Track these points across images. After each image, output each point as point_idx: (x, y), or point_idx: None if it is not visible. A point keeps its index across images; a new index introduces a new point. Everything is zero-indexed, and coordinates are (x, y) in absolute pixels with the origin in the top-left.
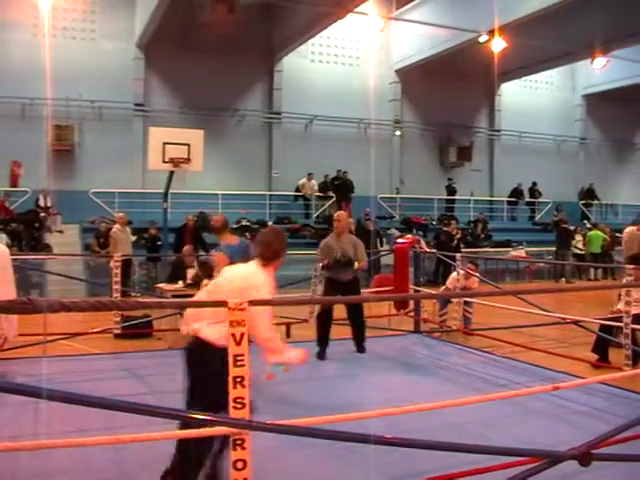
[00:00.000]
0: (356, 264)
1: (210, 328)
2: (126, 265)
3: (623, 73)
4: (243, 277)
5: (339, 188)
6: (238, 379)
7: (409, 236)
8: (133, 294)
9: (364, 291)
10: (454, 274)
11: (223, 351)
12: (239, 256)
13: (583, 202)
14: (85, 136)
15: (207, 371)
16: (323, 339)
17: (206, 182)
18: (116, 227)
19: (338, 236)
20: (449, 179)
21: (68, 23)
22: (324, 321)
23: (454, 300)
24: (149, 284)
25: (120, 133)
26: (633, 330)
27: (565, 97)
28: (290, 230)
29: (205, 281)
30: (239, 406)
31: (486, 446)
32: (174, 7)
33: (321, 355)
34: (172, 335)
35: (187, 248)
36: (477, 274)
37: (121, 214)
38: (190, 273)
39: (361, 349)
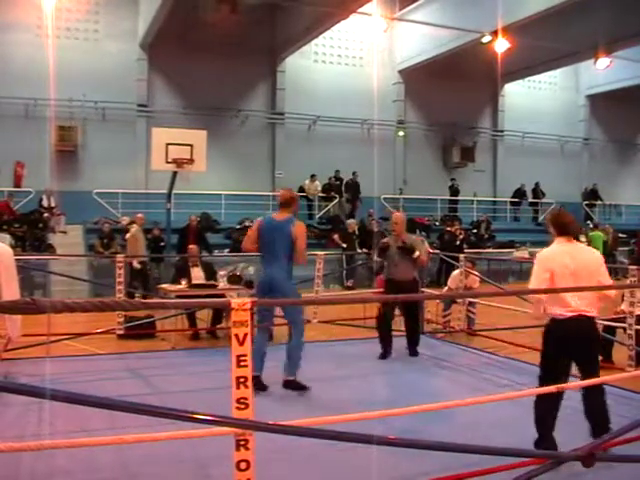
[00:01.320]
0: (417, 252)
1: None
2: (144, 266)
3: (627, 73)
4: (594, 257)
5: (350, 189)
6: (242, 379)
7: None
8: (136, 295)
9: (368, 291)
10: (455, 273)
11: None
12: (275, 232)
13: (587, 203)
14: (88, 137)
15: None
16: (384, 340)
17: (209, 182)
18: (135, 228)
19: (397, 237)
20: (452, 179)
21: (71, 24)
22: (384, 323)
23: (459, 300)
24: (152, 285)
25: (123, 134)
26: (637, 331)
27: (568, 97)
28: None
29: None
30: (242, 406)
31: (489, 447)
32: (177, 7)
33: (383, 355)
34: (175, 335)
35: (193, 248)
36: (476, 272)
37: (140, 215)
38: (195, 272)
39: (412, 352)
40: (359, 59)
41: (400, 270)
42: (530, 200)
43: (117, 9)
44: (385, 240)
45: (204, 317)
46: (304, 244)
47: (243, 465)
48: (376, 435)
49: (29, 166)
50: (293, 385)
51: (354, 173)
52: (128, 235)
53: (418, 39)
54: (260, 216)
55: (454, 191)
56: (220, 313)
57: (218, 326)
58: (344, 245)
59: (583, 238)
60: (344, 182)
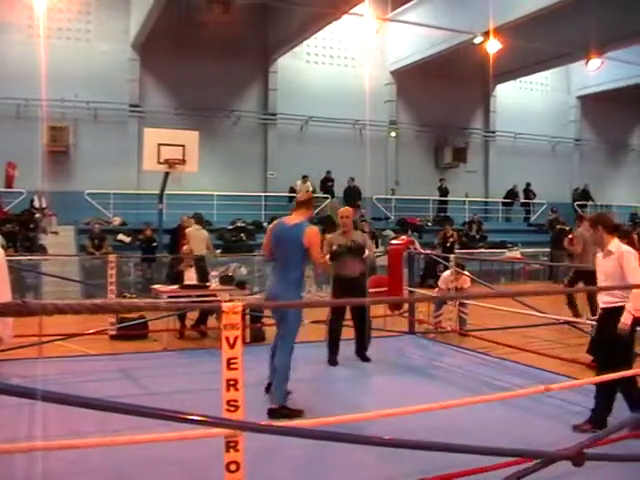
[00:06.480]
0: (367, 251)
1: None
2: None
3: (617, 74)
4: None
5: (348, 194)
6: (232, 382)
7: (404, 237)
8: (128, 295)
9: None
10: (446, 273)
11: None
12: (283, 238)
13: (578, 203)
14: (80, 137)
15: None
16: (334, 345)
17: (201, 183)
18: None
19: (345, 234)
20: (441, 179)
21: (63, 24)
22: (336, 326)
23: (450, 301)
24: (144, 285)
25: (115, 134)
26: None
27: (560, 98)
28: None
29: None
30: (232, 409)
31: (479, 446)
32: (169, 8)
33: (333, 361)
34: (167, 336)
35: (187, 248)
36: (466, 273)
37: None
38: (188, 273)
39: (364, 358)
40: (351, 60)
41: (349, 269)
42: (522, 201)
43: (109, 9)
44: (335, 247)
45: (194, 317)
46: (318, 252)
47: (233, 467)
48: (365, 435)
49: (20, 167)
50: (279, 413)
51: (352, 179)
52: (204, 237)
53: (410, 40)
54: (252, 217)
55: (443, 191)
56: (207, 312)
57: (207, 326)
58: None
59: None
60: (344, 188)
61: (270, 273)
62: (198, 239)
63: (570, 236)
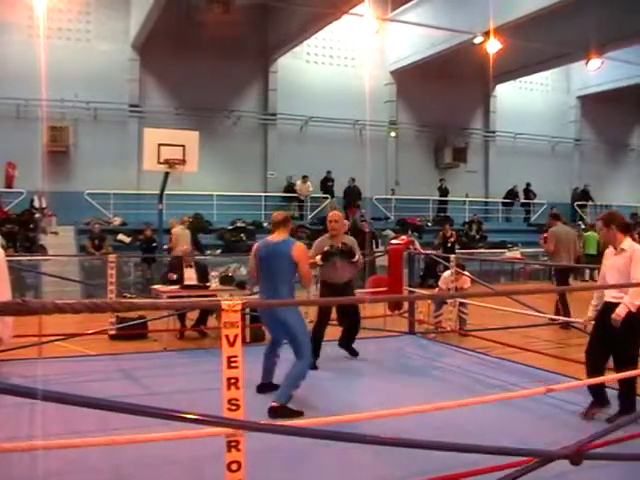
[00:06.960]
0: (357, 256)
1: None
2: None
3: (618, 74)
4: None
5: (348, 194)
6: (232, 380)
7: (404, 237)
8: (128, 295)
9: (358, 291)
10: (446, 273)
11: None
12: (272, 256)
13: (578, 203)
14: (80, 137)
15: None
16: (316, 350)
17: (201, 183)
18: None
19: (333, 237)
20: (441, 179)
21: (63, 24)
22: (320, 332)
23: (449, 301)
24: (144, 285)
25: (115, 134)
26: None
27: (560, 98)
28: None
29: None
30: (233, 407)
31: (477, 445)
32: (169, 8)
33: (314, 366)
34: (167, 336)
35: (186, 249)
36: (466, 273)
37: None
38: (188, 273)
39: (352, 351)
40: (351, 60)
41: (339, 273)
42: (522, 201)
43: (109, 9)
44: (327, 248)
45: (194, 317)
46: (307, 267)
47: (234, 466)
48: (369, 435)
49: (20, 167)
50: (279, 412)
51: (353, 179)
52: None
53: (410, 40)
54: (252, 217)
55: (443, 191)
56: (206, 312)
57: (207, 325)
58: None
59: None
60: (344, 188)
61: (260, 293)
62: (184, 238)
63: (544, 235)
